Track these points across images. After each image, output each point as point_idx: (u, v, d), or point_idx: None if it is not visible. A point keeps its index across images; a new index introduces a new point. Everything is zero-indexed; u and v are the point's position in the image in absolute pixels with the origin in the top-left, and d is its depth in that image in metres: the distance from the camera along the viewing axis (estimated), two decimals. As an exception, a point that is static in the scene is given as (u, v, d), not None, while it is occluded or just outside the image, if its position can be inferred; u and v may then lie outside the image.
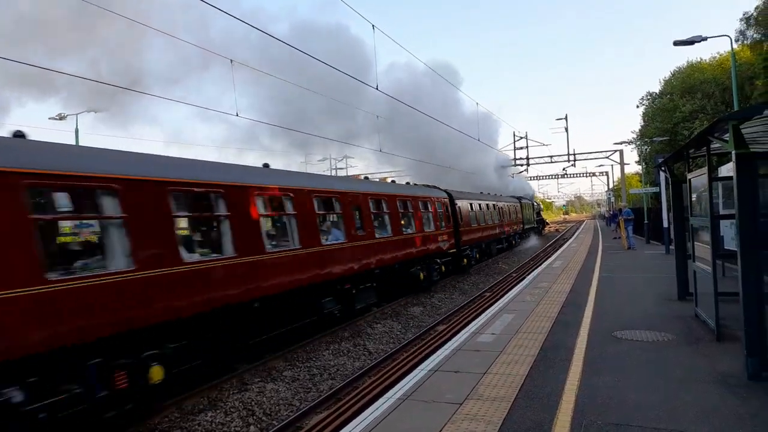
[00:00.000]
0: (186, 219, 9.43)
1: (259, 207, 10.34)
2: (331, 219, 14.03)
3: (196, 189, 8.99)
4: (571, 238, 41.19)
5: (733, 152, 5.70)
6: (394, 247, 16.12)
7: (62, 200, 7.50)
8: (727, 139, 5.90)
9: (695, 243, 8.73)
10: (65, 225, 9.93)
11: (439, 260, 20.23)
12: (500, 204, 33.26)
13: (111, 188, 7.34)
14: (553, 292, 12.83)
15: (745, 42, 34.83)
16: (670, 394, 5.52)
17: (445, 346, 8.21)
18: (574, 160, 46.71)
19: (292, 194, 11.33)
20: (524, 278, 17.31)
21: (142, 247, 7.58)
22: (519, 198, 41.93)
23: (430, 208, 20.04)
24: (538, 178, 64.50)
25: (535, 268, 21.33)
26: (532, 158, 47.21)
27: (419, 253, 17.99)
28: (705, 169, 7.49)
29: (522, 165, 46.84)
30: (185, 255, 8.53)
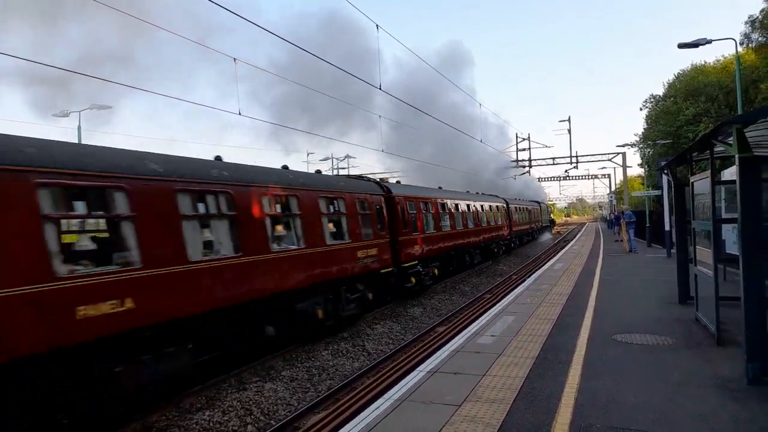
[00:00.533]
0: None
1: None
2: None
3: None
4: (572, 240, 41.12)
5: (737, 156, 5.67)
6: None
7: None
8: (731, 142, 5.87)
9: (697, 247, 8.69)
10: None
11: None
12: (529, 207, 45.29)
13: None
14: (553, 294, 12.79)
15: (750, 45, 34.73)
16: (669, 398, 5.49)
17: (445, 348, 8.18)
18: (577, 162, 46.60)
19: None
20: (525, 280, 17.27)
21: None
22: (539, 202, 53.89)
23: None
24: (540, 179, 64.58)
25: (536, 270, 21.29)
26: (535, 160, 47.15)
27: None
28: (708, 173, 7.44)
29: (524, 166, 46.75)
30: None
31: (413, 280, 16.91)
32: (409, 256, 17.02)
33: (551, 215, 75.15)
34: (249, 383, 9.33)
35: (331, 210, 13.06)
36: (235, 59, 15.55)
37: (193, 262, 8.38)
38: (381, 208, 15.62)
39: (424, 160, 33.37)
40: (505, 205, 34.07)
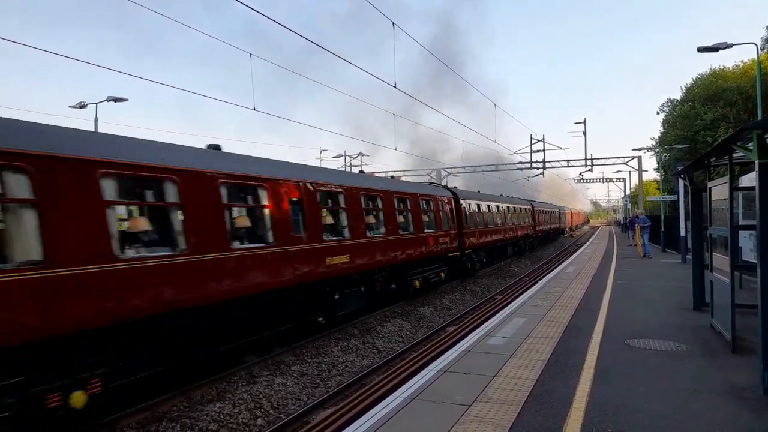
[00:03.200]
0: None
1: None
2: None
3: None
4: (585, 244, 40.82)
5: (757, 161, 5.58)
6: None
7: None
8: (751, 148, 5.78)
9: (713, 253, 8.58)
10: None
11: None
12: (551, 210, 53.28)
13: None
14: (565, 297, 12.71)
15: (771, 51, 34.17)
16: (682, 405, 5.44)
17: (455, 347, 8.17)
18: (592, 165, 46.06)
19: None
20: (536, 282, 17.18)
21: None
22: (558, 207, 62.69)
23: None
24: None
25: (548, 272, 21.16)
26: (549, 162, 46.77)
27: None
28: (726, 178, 7.35)
29: (538, 168, 46.36)
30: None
31: (468, 265, 22.30)
32: (470, 245, 22.40)
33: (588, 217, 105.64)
34: (259, 377, 9.39)
35: (425, 207, 18.13)
36: (251, 54, 15.65)
37: (371, 237, 13.98)
38: (451, 208, 20.98)
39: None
40: (530, 208, 38.64)
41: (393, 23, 15.35)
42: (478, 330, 9.41)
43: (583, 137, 41.32)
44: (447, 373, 6.77)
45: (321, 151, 53.46)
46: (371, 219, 14.70)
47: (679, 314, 10.25)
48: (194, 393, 8.55)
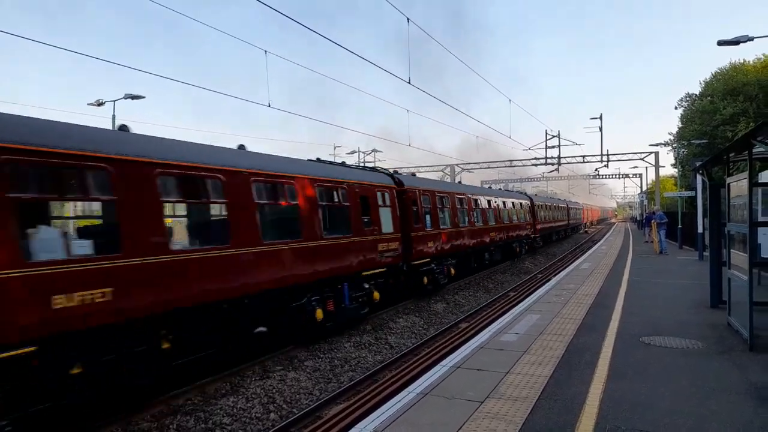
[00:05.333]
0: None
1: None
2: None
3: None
4: (600, 240, 40.45)
5: (777, 156, 5.48)
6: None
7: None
8: (771, 142, 5.67)
9: (731, 250, 8.45)
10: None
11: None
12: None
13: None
14: (580, 294, 12.61)
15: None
16: (699, 403, 5.36)
17: (468, 344, 8.15)
18: (608, 161, 45.61)
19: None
20: (550, 279, 17.06)
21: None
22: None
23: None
24: (569, 178, 63.63)
25: (563, 269, 21.01)
26: (564, 157, 46.37)
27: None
28: (746, 174, 7.22)
29: (554, 164, 45.98)
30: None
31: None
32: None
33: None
34: (272, 371, 9.45)
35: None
36: (266, 51, 15.70)
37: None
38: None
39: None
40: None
41: (408, 19, 15.30)
42: (491, 326, 9.38)
43: (600, 133, 40.82)
44: (460, 369, 6.75)
45: (335, 147, 53.44)
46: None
47: (696, 312, 10.11)
48: (208, 387, 8.63)
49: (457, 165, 53.33)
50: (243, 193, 9.33)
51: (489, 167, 52.99)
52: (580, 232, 64.72)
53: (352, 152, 51.47)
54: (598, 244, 34.76)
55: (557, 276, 17.32)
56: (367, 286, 13.05)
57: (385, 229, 14.04)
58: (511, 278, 23.18)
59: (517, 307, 11.25)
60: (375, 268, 13.46)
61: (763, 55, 41.33)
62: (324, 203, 11.76)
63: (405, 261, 15.16)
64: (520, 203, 30.60)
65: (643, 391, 5.74)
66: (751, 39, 16.27)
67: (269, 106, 16.80)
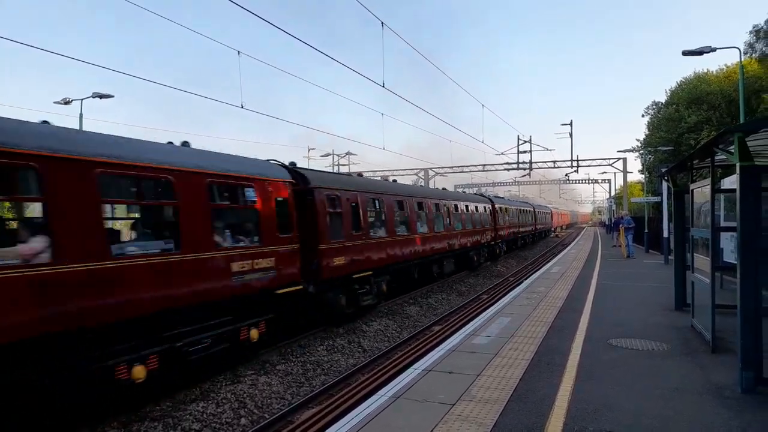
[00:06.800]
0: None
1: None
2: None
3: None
4: (570, 244, 41.16)
5: (738, 164, 5.67)
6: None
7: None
8: (732, 150, 5.87)
9: (695, 254, 8.70)
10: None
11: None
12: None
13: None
14: (550, 297, 12.81)
15: (754, 55, 34.75)
16: (663, 404, 5.51)
17: (440, 347, 8.19)
18: (578, 167, 46.48)
19: None
20: (521, 282, 17.30)
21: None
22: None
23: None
24: (540, 183, 64.63)
25: (533, 272, 21.31)
26: (535, 162, 47.08)
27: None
28: (708, 181, 7.45)
29: (525, 169, 46.64)
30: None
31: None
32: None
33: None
34: (244, 376, 9.34)
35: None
36: (239, 52, 15.55)
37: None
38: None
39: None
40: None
41: (382, 23, 15.35)
42: (463, 329, 9.45)
43: (570, 138, 41.58)
44: (432, 372, 6.79)
45: (309, 150, 53.13)
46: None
47: (662, 314, 10.38)
48: (178, 393, 8.47)
49: (431, 169, 53.63)
50: None
51: (462, 171, 53.44)
52: (551, 236, 65.36)
53: (326, 155, 51.32)
54: (568, 248, 35.37)
55: (528, 279, 17.57)
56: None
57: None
58: (484, 281, 23.41)
59: (489, 310, 11.37)
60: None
61: (726, 65, 42.76)
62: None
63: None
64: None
65: (610, 393, 5.86)
66: (714, 50, 16.82)
67: (242, 107, 16.65)
